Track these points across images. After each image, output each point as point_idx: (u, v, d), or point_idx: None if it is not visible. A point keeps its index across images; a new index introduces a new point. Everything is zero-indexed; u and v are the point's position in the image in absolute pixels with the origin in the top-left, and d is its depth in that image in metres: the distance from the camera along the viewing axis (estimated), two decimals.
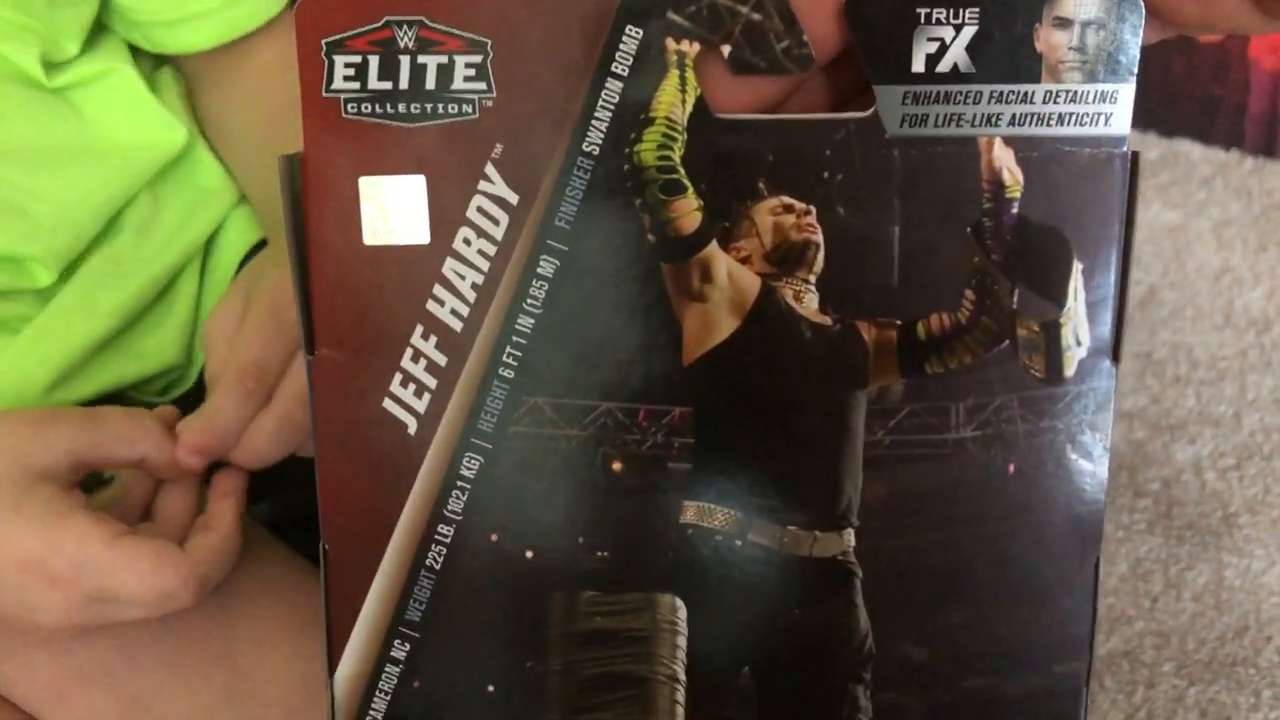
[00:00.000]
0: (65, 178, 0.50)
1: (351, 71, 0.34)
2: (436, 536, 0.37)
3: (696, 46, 0.34)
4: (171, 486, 0.45)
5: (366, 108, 0.34)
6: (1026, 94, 0.34)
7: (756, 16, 0.33)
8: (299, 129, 0.35)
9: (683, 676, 0.37)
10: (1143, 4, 0.33)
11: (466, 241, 0.35)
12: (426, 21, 0.34)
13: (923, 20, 0.33)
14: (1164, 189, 0.87)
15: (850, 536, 0.36)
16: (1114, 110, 0.34)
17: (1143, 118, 0.93)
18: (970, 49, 0.33)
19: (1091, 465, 0.35)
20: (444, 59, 0.34)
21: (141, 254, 0.51)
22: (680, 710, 0.37)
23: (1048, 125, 0.34)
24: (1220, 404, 0.72)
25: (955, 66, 0.33)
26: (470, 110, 0.34)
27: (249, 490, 0.46)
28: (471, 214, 0.35)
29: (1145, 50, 0.34)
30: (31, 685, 0.45)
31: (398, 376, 0.36)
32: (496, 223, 0.35)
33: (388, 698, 0.38)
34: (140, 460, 0.43)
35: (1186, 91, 0.93)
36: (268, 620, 0.45)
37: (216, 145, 0.56)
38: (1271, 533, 0.66)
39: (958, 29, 0.33)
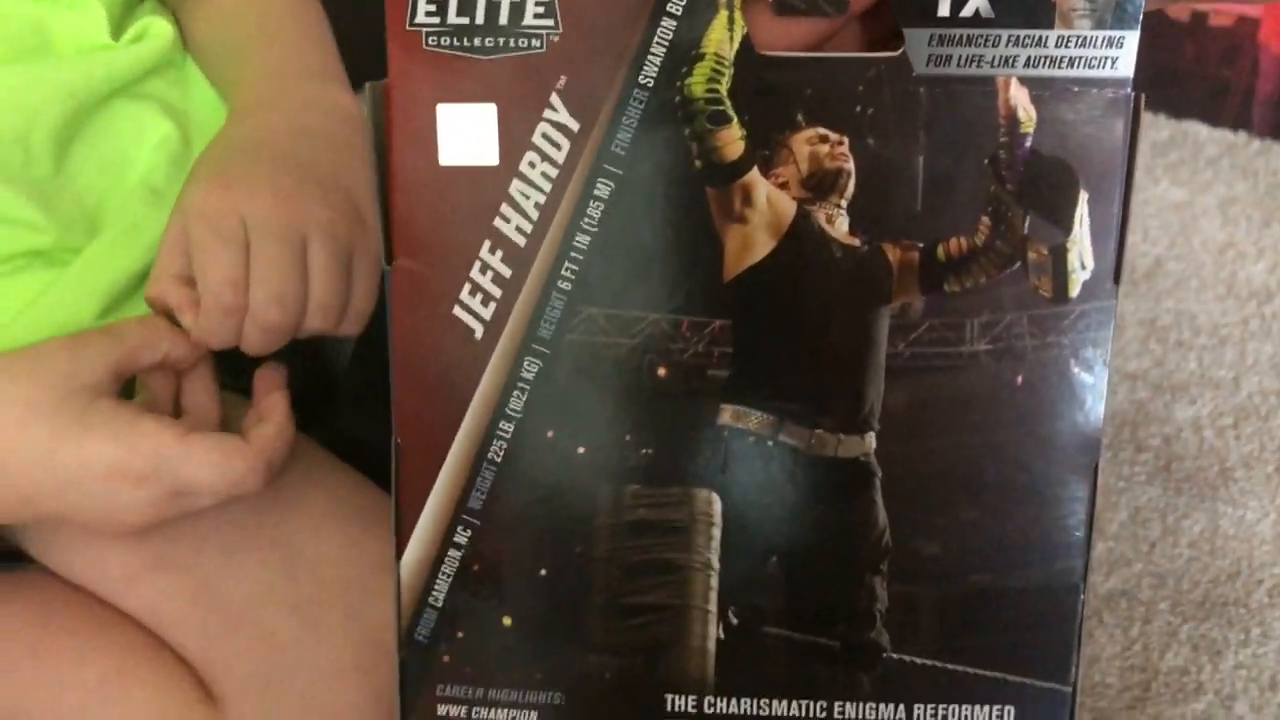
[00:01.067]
0: None
1: (433, 7, 0.38)
2: (498, 432, 0.41)
3: None
4: (193, 383, 0.49)
5: (445, 40, 0.38)
6: (1041, 38, 0.37)
7: None
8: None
9: (716, 564, 0.41)
10: None
11: (531, 164, 0.39)
12: None
13: None
14: (1172, 168, 0.90)
15: (872, 439, 0.40)
16: (1120, 55, 0.37)
17: (1154, 99, 0.96)
18: None
19: (1092, 378, 0.39)
20: None
21: (176, 185, 0.55)
22: (713, 595, 0.41)
23: (1060, 68, 0.37)
24: (1220, 368, 0.76)
25: (977, 12, 0.37)
26: (539, 44, 0.38)
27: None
28: (537, 139, 0.39)
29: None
30: (103, 577, 0.49)
31: (466, 286, 0.40)
32: (559, 148, 0.39)
33: (449, 580, 0.42)
34: (164, 359, 0.48)
35: (1197, 74, 0.96)
36: (318, 511, 0.49)
37: (202, 66, 0.59)
38: (1265, 486, 0.69)
39: None
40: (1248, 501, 0.69)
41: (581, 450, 0.41)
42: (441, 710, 0.43)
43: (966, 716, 0.41)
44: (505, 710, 0.42)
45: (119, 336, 0.47)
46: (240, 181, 0.47)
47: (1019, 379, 0.39)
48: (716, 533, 0.41)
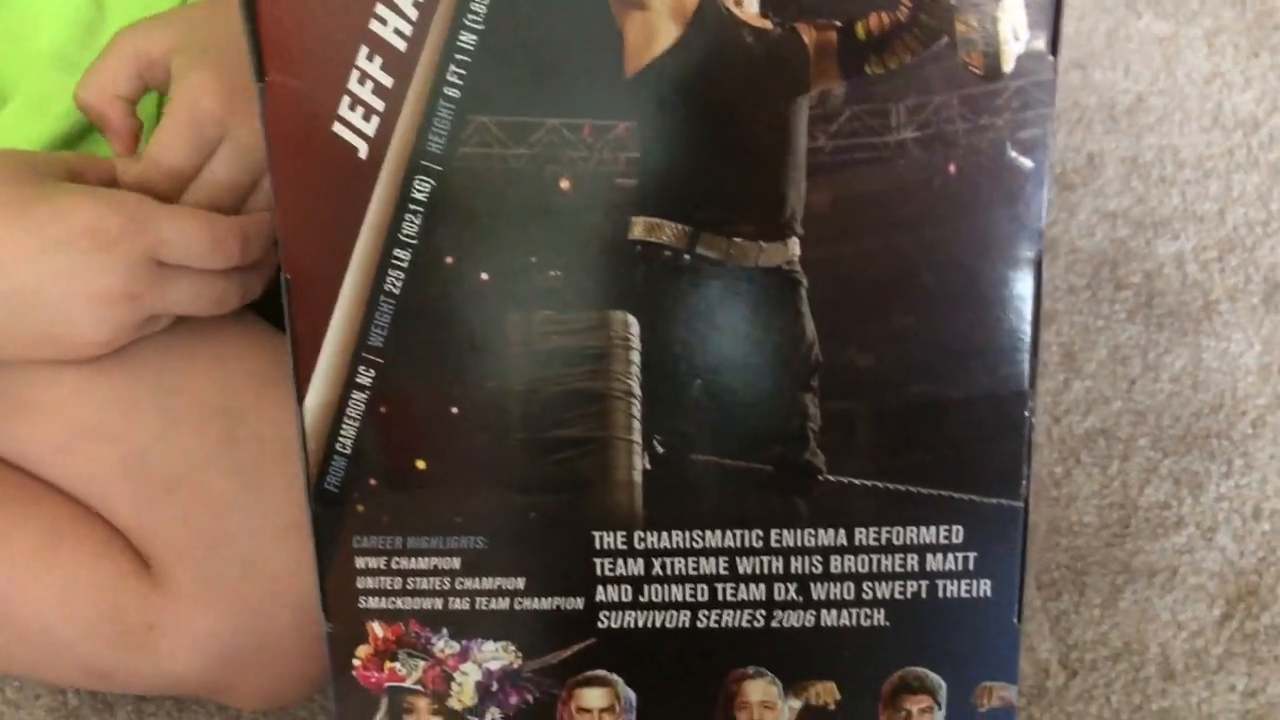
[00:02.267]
0: None
1: None
2: (393, 261, 0.38)
3: None
4: None
5: None
6: None
7: None
8: None
9: (638, 391, 0.38)
10: None
11: None
12: None
13: None
14: (1156, 1, 0.85)
15: (795, 245, 0.37)
16: None
17: None
18: None
19: (1031, 164, 0.36)
20: None
21: (88, 55, 0.52)
22: (637, 424, 0.39)
23: None
24: (1205, 201, 0.72)
25: None
26: None
27: None
28: None
29: None
30: (31, 441, 0.47)
31: (345, 100, 0.36)
32: None
33: (356, 424, 0.39)
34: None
35: None
36: (261, 376, 0.46)
37: None
38: (1250, 318, 0.66)
39: None
40: (1231, 334, 0.65)
41: (485, 276, 0.38)
42: (360, 563, 0.41)
43: (912, 539, 0.39)
44: (426, 558, 0.40)
45: (69, 164, 0.46)
46: (241, 95, 0.44)
47: (951, 168, 0.36)
48: (636, 358, 0.38)
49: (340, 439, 0.39)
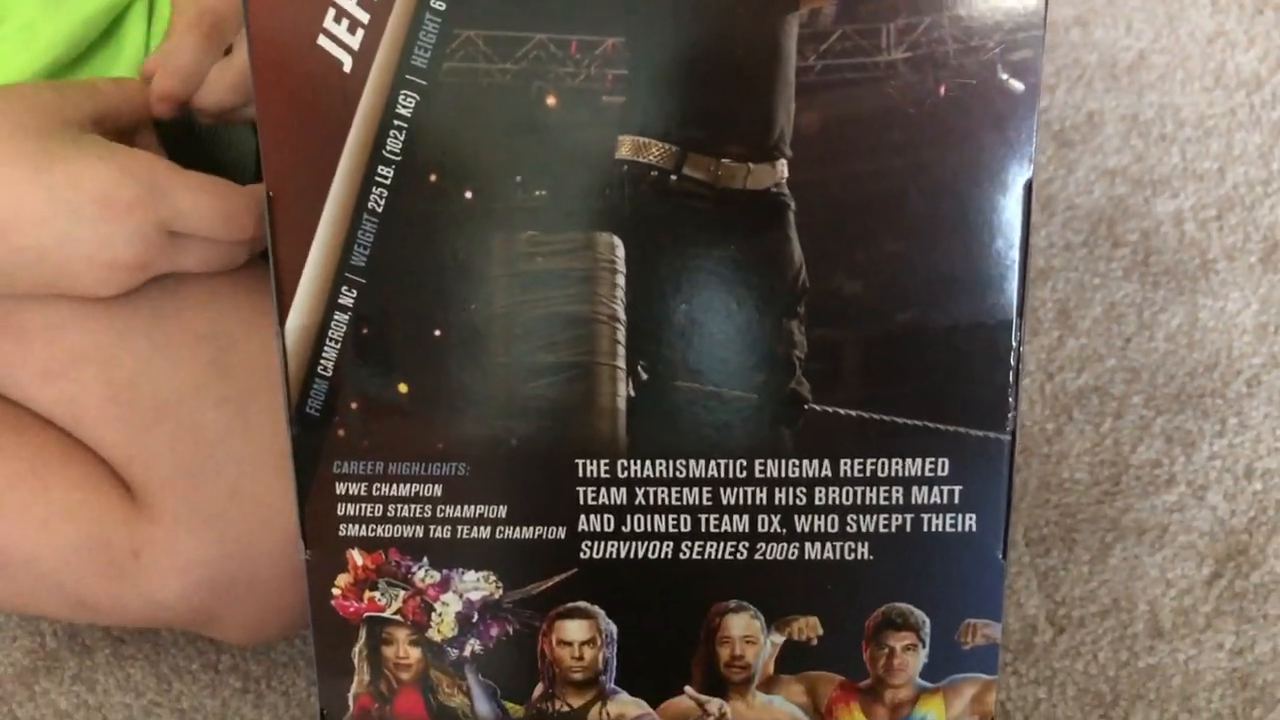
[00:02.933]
0: None
1: None
2: (377, 178, 0.37)
3: None
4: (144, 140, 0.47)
5: None
6: None
7: None
8: None
9: (623, 315, 0.38)
10: None
11: None
12: None
13: None
14: None
15: (784, 168, 0.36)
16: None
17: None
18: None
19: (1022, 85, 0.35)
20: None
21: None
22: (621, 349, 0.38)
23: None
24: (1205, 160, 0.71)
25: None
26: None
27: None
28: None
29: None
30: (22, 366, 0.46)
31: (330, 12, 0.36)
32: None
33: (338, 346, 0.39)
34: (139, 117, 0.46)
35: None
36: (252, 304, 0.46)
37: None
38: (1248, 277, 0.65)
39: None
40: (1229, 293, 0.65)
41: (469, 195, 0.37)
42: (340, 488, 0.40)
43: (897, 470, 0.39)
44: (408, 485, 0.40)
45: (97, 88, 0.46)
46: None
47: (942, 90, 0.35)
48: (621, 280, 0.38)
49: (322, 361, 0.39)
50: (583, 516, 0.40)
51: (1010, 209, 0.36)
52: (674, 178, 0.37)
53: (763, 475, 0.39)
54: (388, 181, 0.37)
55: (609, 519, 0.40)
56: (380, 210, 0.37)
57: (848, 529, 0.39)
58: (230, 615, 0.48)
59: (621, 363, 0.38)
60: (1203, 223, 0.68)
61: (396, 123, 0.37)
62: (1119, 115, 0.74)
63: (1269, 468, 0.59)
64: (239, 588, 0.46)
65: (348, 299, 0.38)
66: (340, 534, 0.41)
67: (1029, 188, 0.36)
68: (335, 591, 0.41)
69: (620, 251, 0.37)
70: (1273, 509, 0.58)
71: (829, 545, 0.40)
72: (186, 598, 0.46)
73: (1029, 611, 0.56)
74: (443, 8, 0.36)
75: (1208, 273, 0.66)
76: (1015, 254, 0.36)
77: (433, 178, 0.37)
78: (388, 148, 0.37)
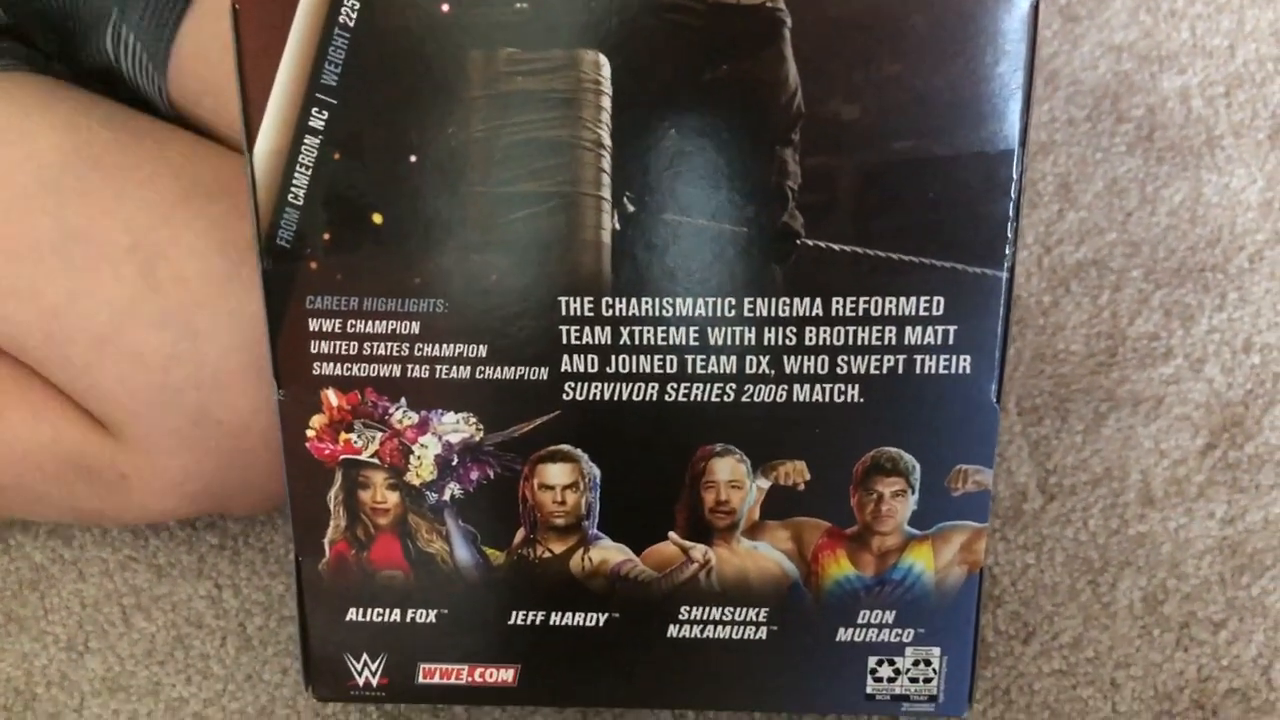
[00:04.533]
0: None
1: None
2: None
3: None
4: None
5: None
6: None
7: None
8: None
9: (608, 142, 0.36)
10: None
11: None
12: None
13: None
14: None
15: None
16: None
17: None
18: None
19: None
20: None
21: None
22: (606, 178, 0.37)
23: None
24: (1216, 36, 0.69)
25: None
26: None
27: None
28: None
29: None
30: None
31: None
32: None
33: (309, 172, 0.37)
34: None
35: None
36: (173, 200, 0.42)
37: None
38: (1255, 153, 0.64)
39: None
40: (1234, 169, 0.63)
41: (446, 7, 0.35)
42: (313, 325, 0.39)
43: (890, 309, 0.37)
44: (384, 322, 0.39)
45: None
46: None
47: None
48: (607, 103, 0.36)
49: (292, 189, 0.37)
50: (565, 356, 0.39)
51: (1015, 30, 0.34)
52: None
53: (751, 314, 0.38)
54: None
55: (593, 359, 0.39)
56: (352, 24, 0.35)
57: (838, 370, 0.38)
58: (236, 506, 0.46)
59: (606, 193, 0.37)
60: (1210, 99, 0.66)
61: None
62: None
63: (1267, 342, 0.58)
64: (235, 489, 0.45)
65: (318, 121, 0.36)
66: (314, 372, 0.39)
67: (1035, 7, 0.34)
68: (310, 433, 0.40)
69: (606, 71, 0.35)
70: (1270, 382, 0.57)
71: (818, 387, 0.38)
72: (182, 507, 0.45)
73: (1019, 479, 0.55)
74: None
75: (1213, 149, 0.64)
76: (1020, 78, 0.35)
77: None
78: None
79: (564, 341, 0.38)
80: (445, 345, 0.39)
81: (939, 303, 0.37)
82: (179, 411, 0.42)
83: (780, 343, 0.38)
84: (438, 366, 0.39)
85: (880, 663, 0.42)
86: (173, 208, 0.42)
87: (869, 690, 0.42)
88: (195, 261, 0.41)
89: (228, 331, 0.41)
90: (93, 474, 0.44)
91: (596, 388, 0.39)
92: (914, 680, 0.42)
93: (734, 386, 0.39)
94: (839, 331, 0.38)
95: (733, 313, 0.38)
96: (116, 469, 0.44)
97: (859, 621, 0.41)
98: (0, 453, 0.45)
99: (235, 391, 0.42)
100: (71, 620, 0.51)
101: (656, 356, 0.38)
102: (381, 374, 0.39)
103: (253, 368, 0.41)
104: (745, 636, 0.41)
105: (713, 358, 0.38)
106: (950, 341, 0.38)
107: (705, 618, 0.41)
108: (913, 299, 0.37)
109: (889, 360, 0.38)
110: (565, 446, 0.40)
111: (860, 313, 0.38)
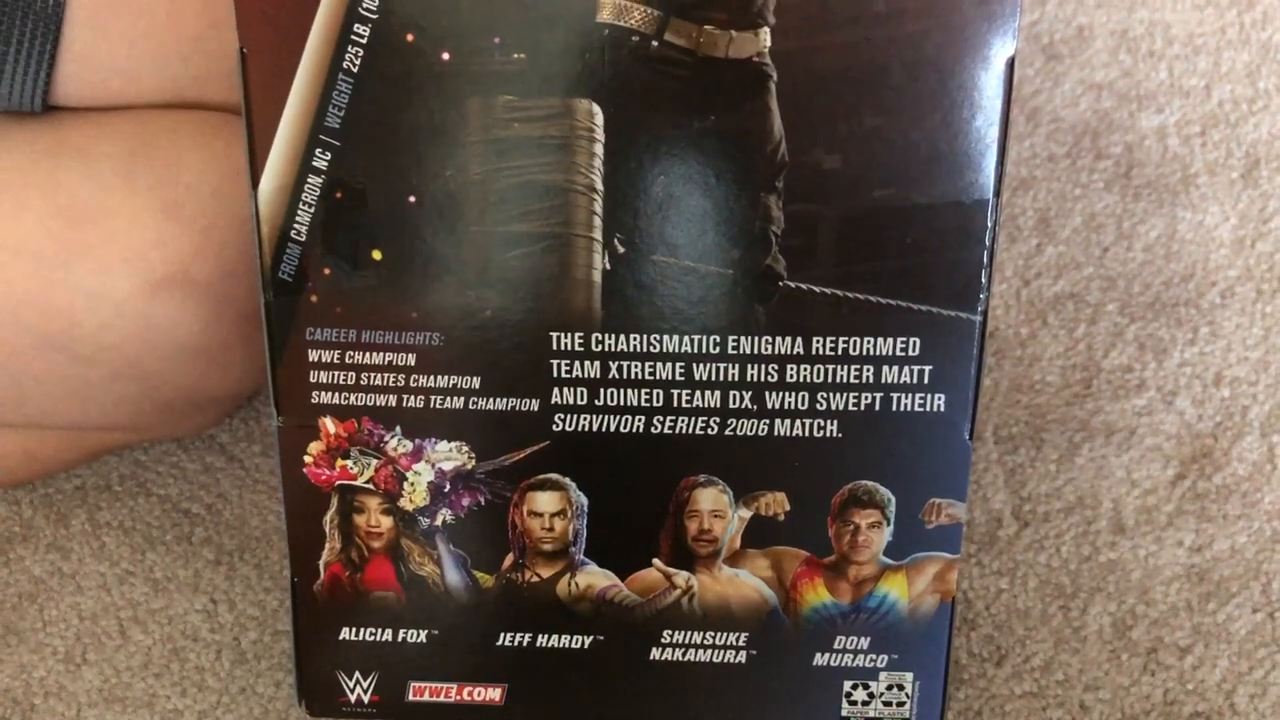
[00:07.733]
0: None
1: None
2: (353, 37, 0.37)
3: None
4: None
5: None
6: None
7: None
8: None
9: (600, 186, 0.38)
10: None
11: None
12: None
13: None
14: None
15: (766, 36, 0.36)
16: None
17: None
18: None
19: None
20: None
21: None
22: (597, 220, 0.38)
23: None
24: (1192, 77, 0.71)
25: None
26: None
27: None
28: None
29: None
30: None
31: None
32: None
33: (311, 210, 0.39)
34: None
35: None
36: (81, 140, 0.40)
37: None
38: (1229, 191, 0.66)
39: None
40: (1208, 206, 0.65)
41: (446, 56, 0.37)
42: (313, 355, 0.40)
43: (869, 349, 0.39)
44: (381, 353, 0.40)
45: None
46: None
47: None
48: (599, 150, 0.37)
49: (295, 225, 0.39)
50: (556, 389, 0.40)
51: (991, 86, 0.36)
52: (655, 43, 0.36)
53: (735, 351, 0.39)
54: (364, 40, 0.36)
55: (582, 392, 0.40)
56: (356, 70, 0.37)
57: (817, 406, 0.40)
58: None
59: (598, 235, 0.38)
60: (1186, 138, 0.68)
61: None
62: (1109, 30, 0.73)
63: (1237, 375, 0.60)
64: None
65: (321, 161, 0.38)
66: (313, 401, 0.41)
67: (1011, 64, 0.36)
68: (307, 459, 0.42)
69: (599, 119, 0.37)
70: (1239, 415, 0.59)
71: (799, 422, 0.40)
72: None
73: (994, 506, 0.57)
74: None
75: (1189, 187, 0.66)
76: (995, 132, 0.36)
77: (410, 37, 0.36)
78: (364, 5, 0.36)
79: (554, 375, 0.40)
80: (440, 377, 0.40)
81: (915, 344, 0.39)
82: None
83: (762, 379, 0.40)
84: (432, 397, 0.40)
85: (855, 686, 0.43)
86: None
87: (844, 713, 0.43)
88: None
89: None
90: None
91: (585, 419, 0.40)
92: (888, 704, 0.43)
93: (718, 420, 0.40)
94: (819, 369, 0.39)
95: (717, 350, 0.39)
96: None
97: (835, 647, 0.43)
98: None
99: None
100: (69, 632, 0.53)
101: (644, 390, 0.40)
102: (378, 403, 0.41)
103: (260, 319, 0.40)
104: (725, 660, 0.43)
105: (698, 393, 0.40)
106: (925, 381, 0.39)
107: (687, 641, 0.43)
108: (890, 339, 0.39)
109: (866, 398, 0.40)
110: (554, 475, 0.41)
111: (839, 352, 0.39)
